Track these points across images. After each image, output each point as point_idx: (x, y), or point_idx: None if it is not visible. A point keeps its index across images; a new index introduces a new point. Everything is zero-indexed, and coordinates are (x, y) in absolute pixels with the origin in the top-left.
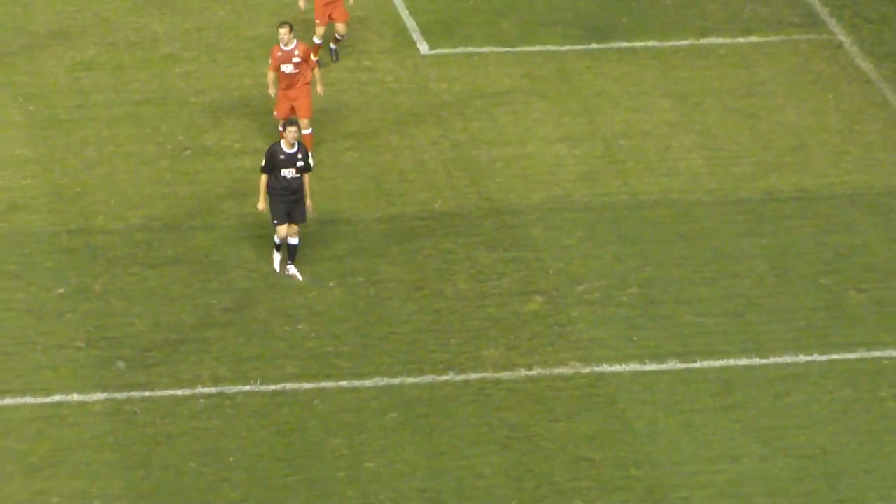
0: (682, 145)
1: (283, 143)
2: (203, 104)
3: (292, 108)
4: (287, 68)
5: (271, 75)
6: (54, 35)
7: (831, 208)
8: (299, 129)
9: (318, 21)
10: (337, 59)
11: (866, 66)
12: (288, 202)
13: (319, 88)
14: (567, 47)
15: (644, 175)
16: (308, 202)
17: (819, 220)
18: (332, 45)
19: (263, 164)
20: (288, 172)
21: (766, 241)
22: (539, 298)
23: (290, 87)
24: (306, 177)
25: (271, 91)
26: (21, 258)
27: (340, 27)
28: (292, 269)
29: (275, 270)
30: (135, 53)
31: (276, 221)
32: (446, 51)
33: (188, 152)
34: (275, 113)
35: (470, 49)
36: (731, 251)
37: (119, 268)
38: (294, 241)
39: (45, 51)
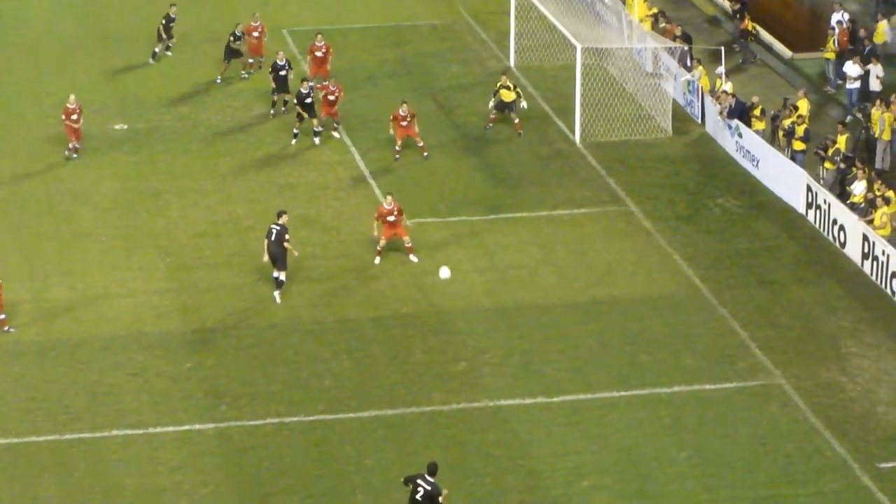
0: (544, 274)
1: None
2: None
3: (394, 234)
4: (391, 218)
5: (376, 224)
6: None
7: (629, 308)
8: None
9: (398, 140)
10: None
11: (647, 224)
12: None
13: (408, 222)
14: (476, 217)
15: (522, 290)
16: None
17: (621, 314)
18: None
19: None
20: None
21: (592, 327)
22: (463, 363)
23: (392, 227)
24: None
25: (375, 232)
26: (164, 346)
27: (418, 139)
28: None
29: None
30: (227, 226)
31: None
32: (407, 222)
33: (259, 282)
34: (381, 240)
35: (420, 220)
36: (572, 333)
37: (221, 352)
38: (281, 277)
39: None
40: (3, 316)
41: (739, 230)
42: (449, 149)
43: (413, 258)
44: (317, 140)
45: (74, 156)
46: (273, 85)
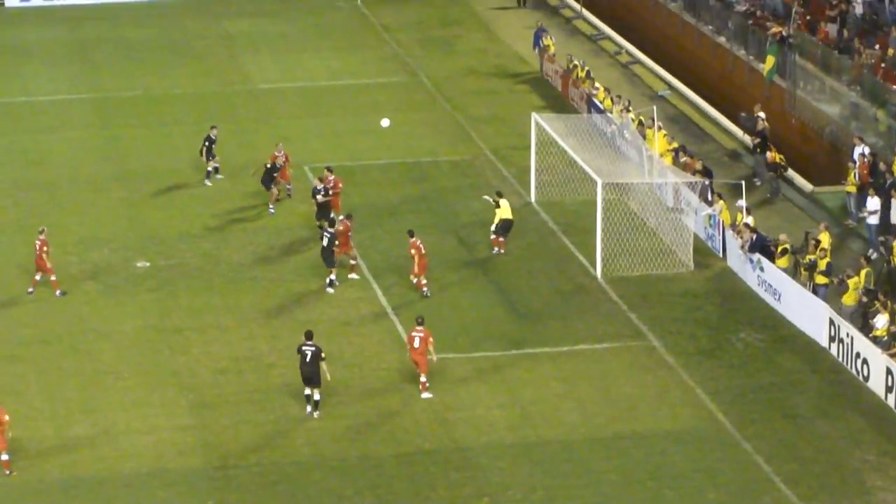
0: (567, 409)
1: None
2: (292, 389)
3: (417, 364)
4: (416, 340)
5: (409, 343)
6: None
7: (652, 443)
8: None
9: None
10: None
11: (669, 358)
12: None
13: (434, 357)
14: (497, 352)
15: (544, 426)
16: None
17: (644, 449)
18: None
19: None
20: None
21: (615, 462)
22: (486, 499)
23: (415, 352)
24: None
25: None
26: (186, 483)
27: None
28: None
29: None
30: (249, 363)
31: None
32: (433, 356)
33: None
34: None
35: (442, 355)
36: (595, 469)
37: (244, 489)
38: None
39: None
40: (5, 457)
41: (762, 364)
42: (470, 284)
43: (423, 395)
44: (330, 290)
45: (30, 290)
46: (315, 209)
